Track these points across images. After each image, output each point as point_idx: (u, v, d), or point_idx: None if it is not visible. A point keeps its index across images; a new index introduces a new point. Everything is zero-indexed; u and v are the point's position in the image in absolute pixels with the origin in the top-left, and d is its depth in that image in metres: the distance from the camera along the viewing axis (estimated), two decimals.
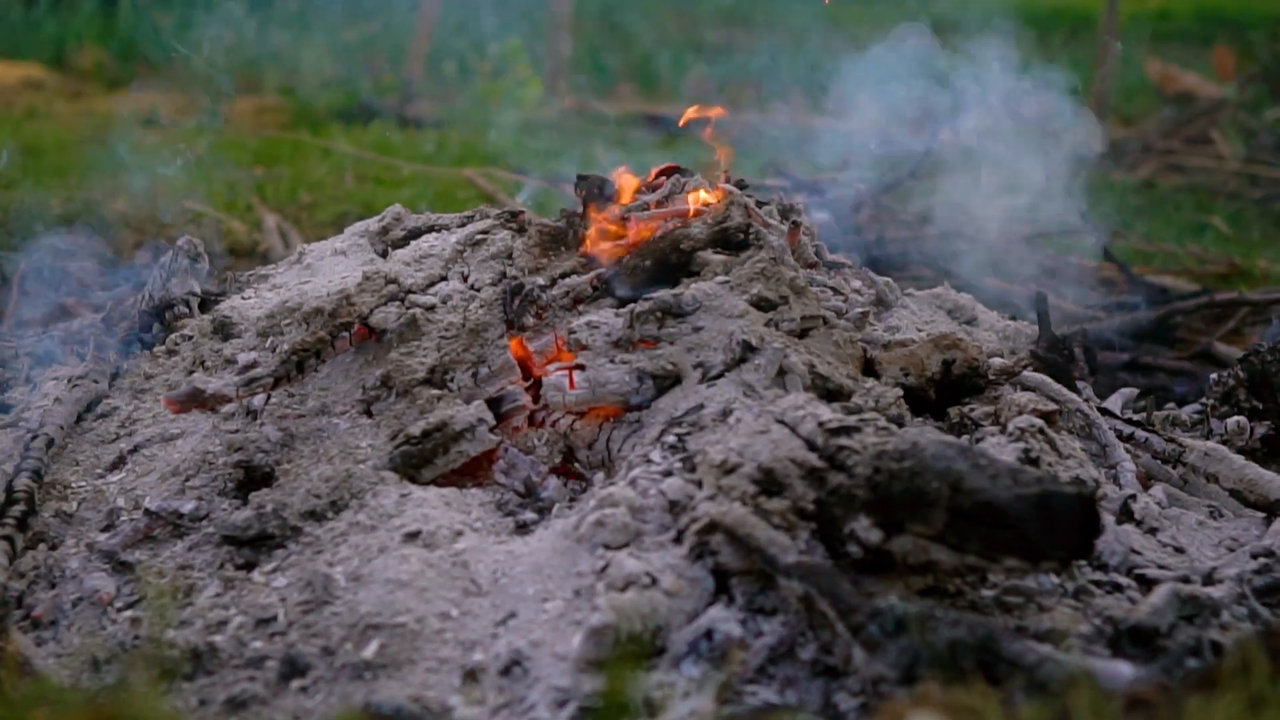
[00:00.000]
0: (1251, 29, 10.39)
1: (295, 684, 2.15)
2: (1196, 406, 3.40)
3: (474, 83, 10.95)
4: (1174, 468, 2.84)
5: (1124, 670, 1.89)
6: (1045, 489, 2.03)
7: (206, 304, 3.32)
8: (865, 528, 2.17)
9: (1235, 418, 3.03)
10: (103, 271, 4.70)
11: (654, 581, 2.18)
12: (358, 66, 11.31)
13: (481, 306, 2.75)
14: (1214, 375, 3.33)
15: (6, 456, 2.86)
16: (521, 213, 2.99)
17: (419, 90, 10.54)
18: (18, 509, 2.47)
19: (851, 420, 2.30)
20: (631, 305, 2.64)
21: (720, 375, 2.55)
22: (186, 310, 3.18)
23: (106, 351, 3.00)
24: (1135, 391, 3.41)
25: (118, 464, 2.77)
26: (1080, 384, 3.16)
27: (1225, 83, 8.12)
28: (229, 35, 11.33)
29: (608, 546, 2.27)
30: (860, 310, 2.85)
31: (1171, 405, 3.50)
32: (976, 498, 2.06)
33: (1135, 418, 3.01)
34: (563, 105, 10.54)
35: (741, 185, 3.20)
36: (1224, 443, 2.98)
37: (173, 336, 3.05)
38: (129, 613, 2.42)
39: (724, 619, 2.15)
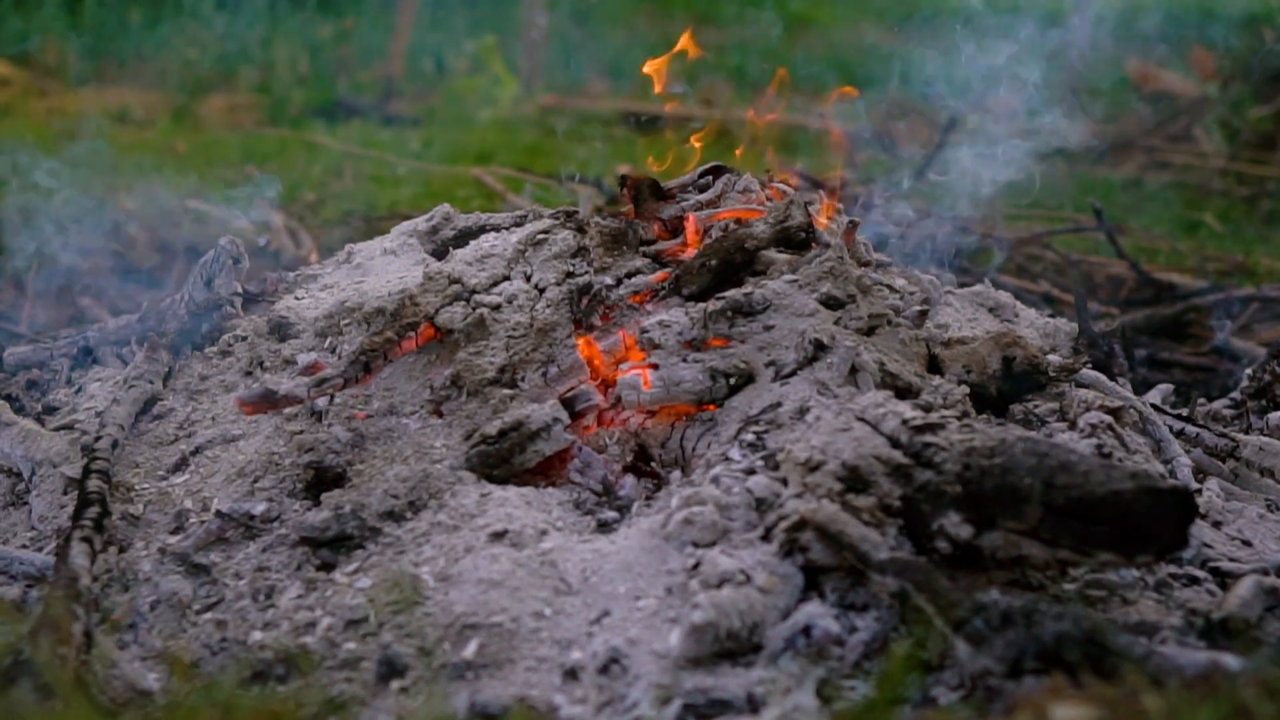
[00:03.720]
0: (1218, 27, 10.54)
1: (395, 684, 2.15)
2: (1227, 401, 3.46)
3: (451, 81, 10.92)
4: (1224, 462, 2.89)
5: (1232, 663, 1.92)
6: (1141, 484, 2.07)
7: (247, 304, 3.30)
8: (955, 524, 2.20)
9: (1278, 413, 3.08)
10: (116, 272, 4.66)
11: (748, 579, 2.20)
12: (331, 64, 11.25)
13: (548, 306, 2.76)
14: (1248, 370, 3.39)
15: (63, 459, 2.84)
16: (576, 212, 2.99)
17: (397, 88, 10.50)
18: (93, 511, 2.45)
19: (934, 417, 2.33)
20: (703, 304, 2.66)
21: (793, 374, 2.57)
22: (234, 310, 3.16)
23: (158, 352, 2.98)
24: (1172, 387, 3.47)
25: (180, 466, 2.76)
26: (1120, 380, 3.21)
27: (1205, 81, 8.23)
28: (198, 31, 11.23)
29: (696, 544, 2.29)
30: (919, 308, 2.88)
31: (1202, 400, 3.56)
32: (1071, 493, 2.10)
33: (1181, 413, 3.06)
34: (538, 103, 10.53)
35: (787, 185, 3.22)
36: (1266, 437, 3.04)
37: (225, 337, 3.04)
38: (209, 615, 2.41)
39: (821, 615, 2.17)
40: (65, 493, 2.76)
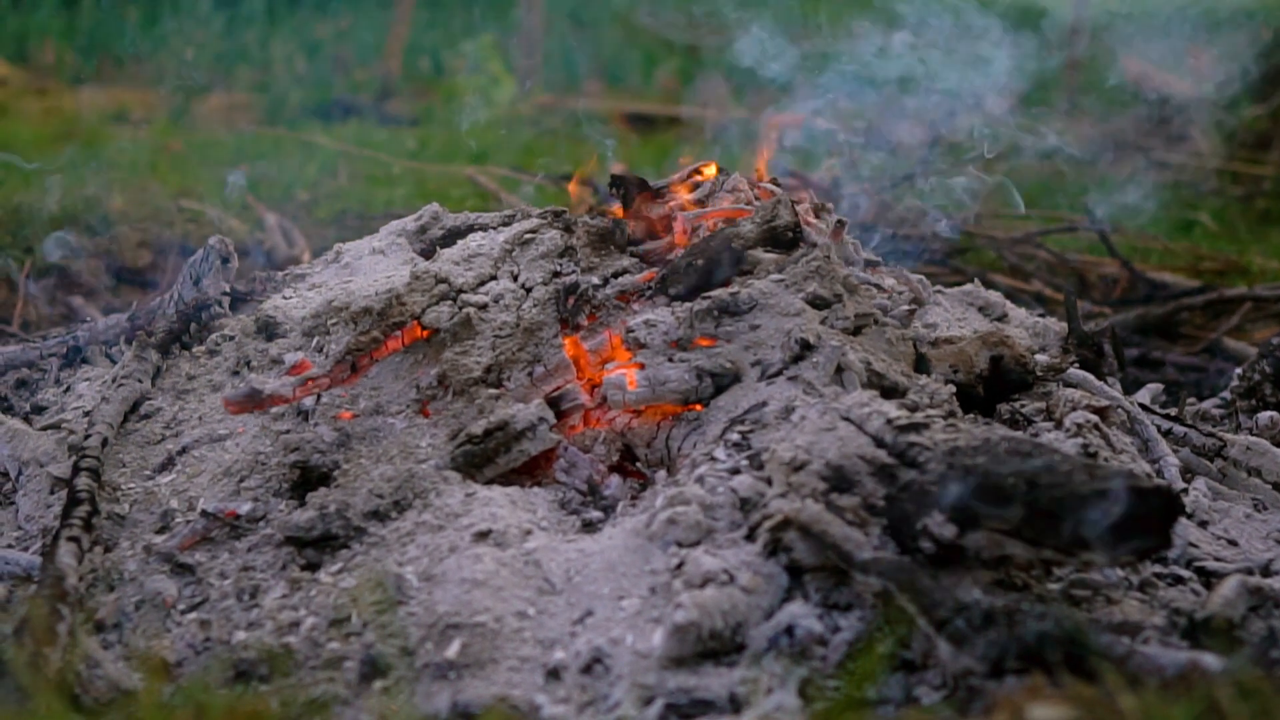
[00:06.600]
0: (1214, 27, 10.52)
1: (377, 684, 2.15)
2: (1217, 400, 3.46)
3: (448, 80, 10.93)
4: (1212, 461, 2.89)
5: (1212, 663, 1.92)
6: (1125, 483, 2.06)
7: (235, 304, 3.30)
8: (939, 523, 2.19)
9: (1268, 413, 3.08)
10: (109, 272, 4.66)
11: (731, 579, 2.20)
12: (329, 63, 11.26)
13: (534, 305, 2.75)
14: (1238, 370, 3.38)
15: (50, 458, 2.84)
16: (564, 211, 2.99)
17: (394, 88, 10.51)
18: (82, 509, 2.45)
19: (919, 417, 2.33)
20: (689, 304, 2.66)
21: (779, 373, 2.57)
22: (222, 310, 3.16)
23: (147, 351, 2.97)
24: (1161, 386, 3.47)
25: (167, 465, 2.75)
26: (1110, 379, 3.21)
27: (1201, 81, 8.21)
28: (196, 30, 11.24)
29: (680, 544, 2.29)
30: (906, 308, 2.88)
31: (1192, 400, 3.56)
32: (1054, 492, 2.09)
33: (1170, 412, 3.05)
34: (535, 102, 10.53)
35: (775, 184, 3.22)
36: (1255, 436, 3.04)
37: (213, 336, 3.03)
38: (194, 615, 2.40)
39: (804, 615, 2.17)
40: (52, 492, 2.76)
